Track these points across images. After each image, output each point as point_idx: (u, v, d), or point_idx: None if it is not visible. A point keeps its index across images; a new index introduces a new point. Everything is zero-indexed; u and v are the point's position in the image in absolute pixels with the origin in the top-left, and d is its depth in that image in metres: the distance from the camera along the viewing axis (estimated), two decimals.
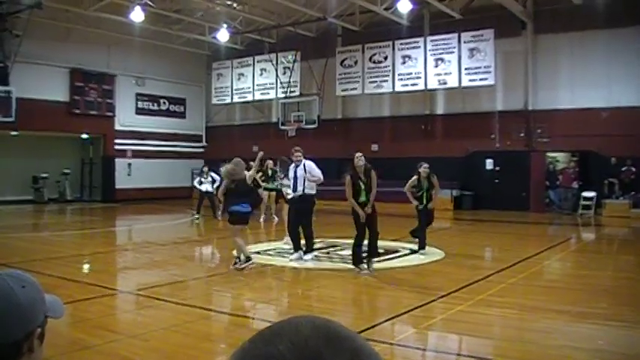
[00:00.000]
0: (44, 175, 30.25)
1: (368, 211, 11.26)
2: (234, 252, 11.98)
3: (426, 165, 14.39)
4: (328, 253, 14.06)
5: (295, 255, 12.67)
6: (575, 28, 24.43)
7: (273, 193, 21.80)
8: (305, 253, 12.61)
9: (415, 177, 14.30)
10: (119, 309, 9.24)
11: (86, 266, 12.63)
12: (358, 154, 11.71)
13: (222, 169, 12.59)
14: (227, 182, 11.89)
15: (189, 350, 6.82)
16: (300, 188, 12.79)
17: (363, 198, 11.32)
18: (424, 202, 13.87)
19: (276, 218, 21.61)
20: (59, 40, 28.39)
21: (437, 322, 8.00)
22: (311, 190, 13.07)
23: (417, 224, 14.04)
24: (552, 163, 25.36)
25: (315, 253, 13.08)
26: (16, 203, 28.59)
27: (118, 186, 31.76)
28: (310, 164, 13.24)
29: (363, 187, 11.33)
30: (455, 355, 6.85)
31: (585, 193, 23.77)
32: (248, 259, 11.48)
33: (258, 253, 14.00)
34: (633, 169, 23.16)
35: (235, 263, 11.51)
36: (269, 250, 14.54)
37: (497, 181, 25.95)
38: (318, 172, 13.26)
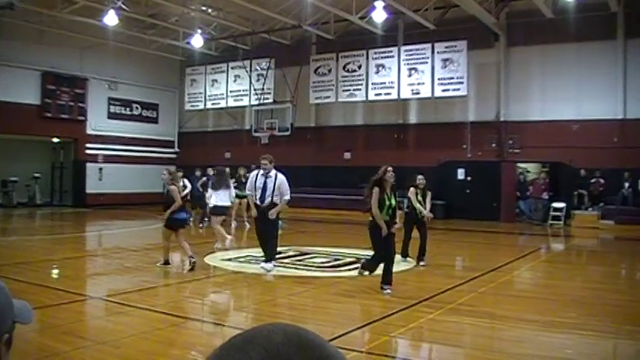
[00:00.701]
0: (13, 178, 29.87)
1: (395, 228, 11.00)
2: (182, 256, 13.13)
3: (421, 177, 14.21)
4: (301, 261, 14.03)
5: (268, 265, 12.35)
6: (547, 41, 24.78)
7: (245, 200, 21.72)
8: (265, 261, 12.30)
9: (413, 189, 14.04)
10: (89, 315, 9.15)
11: (55, 272, 12.51)
12: (390, 169, 11.19)
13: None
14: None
15: (159, 357, 6.77)
16: (268, 200, 12.20)
17: (386, 216, 10.77)
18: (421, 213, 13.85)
19: (248, 225, 21.52)
20: (31, 43, 28.10)
21: (408, 331, 8.02)
22: (277, 200, 12.36)
23: (405, 238, 14.12)
24: (523, 173, 25.63)
25: (274, 263, 12.55)
26: None
27: (88, 191, 31.48)
28: (282, 180, 12.49)
29: (387, 203, 10.80)
30: None
31: (555, 204, 24.03)
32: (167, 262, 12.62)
33: (229, 260, 13.98)
34: (602, 181, 23.45)
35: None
36: (240, 257, 14.49)
37: (468, 191, 26.13)
38: (287, 192, 12.49)
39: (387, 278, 10.23)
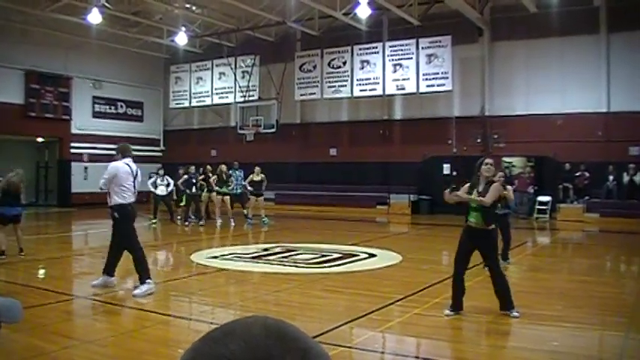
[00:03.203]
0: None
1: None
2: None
3: (490, 160, 9.37)
4: (287, 257, 14.04)
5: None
6: (531, 36, 24.89)
7: (227, 198, 21.76)
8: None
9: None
10: (75, 314, 9.12)
11: (41, 272, 12.44)
12: (488, 160, 9.12)
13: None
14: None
15: (147, 356, 6.76)
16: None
17: (472, 218, 8.79)
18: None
19: (233, 223, 21.53)
20: (14, 42, 27.89)
21: (394, 325, 8.05)
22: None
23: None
24: (508, 168, 25.69)
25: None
26: None
27: (74, 190, 31.33)
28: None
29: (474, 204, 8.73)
30: (412, 358, 6.91)
31: (541, 198, 24.14)
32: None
33: (215, 257, 13.97)
34: (587, 175, 23.58)
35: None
36: (225, 254, 14.48)
37: (454, 186, 26.15)
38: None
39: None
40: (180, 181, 22.06)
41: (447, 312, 8.22)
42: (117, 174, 9.90)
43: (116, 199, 9.85)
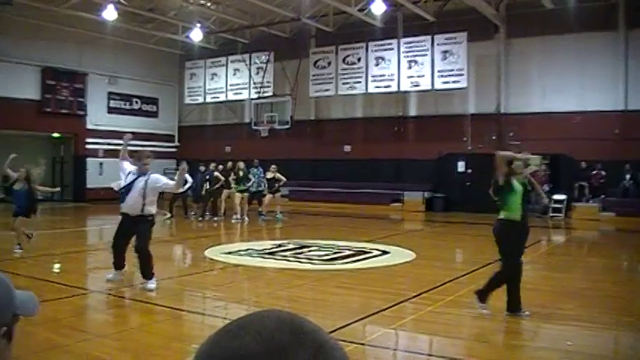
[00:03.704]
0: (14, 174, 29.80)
1: None
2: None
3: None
4: (300, 253, 14.04)
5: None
6: (548, 33, 24.70)
7: (246, 195, 21.88)
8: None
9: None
10: (89, 309, 9.17)
11: (57, 266, 12.51)
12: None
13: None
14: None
15: (160, 350, 6.79)
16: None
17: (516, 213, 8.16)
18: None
19: (247, 219, 21.59)
20: (30, 38, 28.03)
21: (407, 323, 8.04)
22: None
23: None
24: None
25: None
26: None
27: (89, 185, 31.48)
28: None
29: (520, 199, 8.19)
30: (426, 356, 6.89)
31: (556, 196, 23.98)
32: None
33: (229, 253, 14.00)
34: (603, 173, 23.44)
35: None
36: (240, 250, 14.51)
37: (468, 183, 26.10)
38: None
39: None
40: (202, 177, 22.18)
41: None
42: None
43: (150, 210, 9.94)
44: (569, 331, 7.58)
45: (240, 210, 21.98)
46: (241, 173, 21.90)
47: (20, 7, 24.81)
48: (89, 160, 31.72)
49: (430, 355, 6.93)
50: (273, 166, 22.29)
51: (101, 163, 31.73)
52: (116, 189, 10.10)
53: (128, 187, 9.83)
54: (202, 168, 22.63)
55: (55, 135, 31.84)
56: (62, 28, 27.94)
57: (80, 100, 31.12)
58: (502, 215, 8.20)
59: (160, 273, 10.14)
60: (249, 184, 21.94)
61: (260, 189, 22.19)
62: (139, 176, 9.87)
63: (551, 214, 23.84)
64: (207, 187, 22.14)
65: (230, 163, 22.91)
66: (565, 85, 24.47)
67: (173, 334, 7.52)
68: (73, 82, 30.75)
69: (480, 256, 13.93)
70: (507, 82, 26.01)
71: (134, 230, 9.89)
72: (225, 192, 22.44)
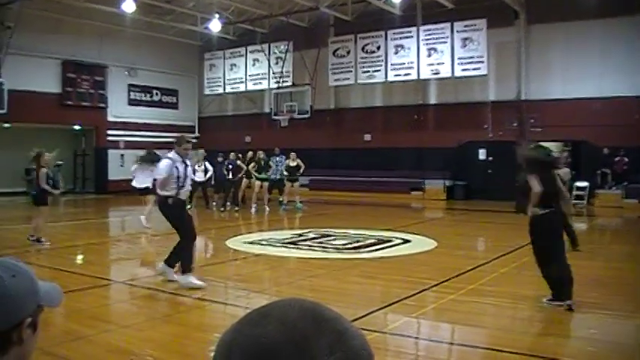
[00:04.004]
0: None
1: None
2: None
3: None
4: (321, 243, 14.06)
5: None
6: (568, 18, 24.43)
7: (266, 184, 21.96)
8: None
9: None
10: (112, 299, 9.25)
11: (79, 257, 12.62)
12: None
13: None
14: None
15: (183, 340, 6.83)
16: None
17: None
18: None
19: (267, 208, 21.67)
20: (51, 32, 28.22)
21: (429, 311, 8.03)
22: None
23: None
24: None
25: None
26: (9, 195, 28.53)
27: (110, 177, 31.67)
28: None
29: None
30: (447, 344, 6.88)
31: (578, 183, 23.76)
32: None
33: (250, 243, 14.05)
34: (626, 159, 23.21)
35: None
36: (261, 240, 14.55)
37: (489, 171, 25.99)
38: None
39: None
40: (223, 167, 22.22)
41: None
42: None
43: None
44: (593, 319, 7.54)
45: (259, 199, 22.05)
46: (262, 162, 22.00)
47: (40, 1, 24.96)
48: (110, 151, 31.89)
49: (452, 343, 6.92)
50: (292, 153, 22.32)
51: (122, 155, 31.89)
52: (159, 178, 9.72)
53: (185, 174, 9.69)
54: (220, 158, 22.65)
55: (76, 127, 32.06)
56: (82, 21, 28.10)
57: (101, 92, 31.30)
58: None
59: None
60: (270, 172, 22.03)
61: (280, 177, 22.26)
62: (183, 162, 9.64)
63: (574, 202, 23.65)
64: (230, 176, 22.19)
65: (250, 153, 22.95)
66: (586, 70, 24.22)
67: (196, 324, 7.57)
68: (94, 74, 30.93)
69: (501, 243, 13.90)
70: (528, 69, 25.80)
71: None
72: (246, 181, 22.52)
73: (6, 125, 28.03)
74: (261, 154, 22.19)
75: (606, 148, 23.53)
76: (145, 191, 17.23)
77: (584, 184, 23.60)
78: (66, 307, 7.63)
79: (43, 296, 1.77)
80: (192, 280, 9.24)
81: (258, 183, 22.01)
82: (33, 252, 12.48)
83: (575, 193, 23.47)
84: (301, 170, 22.39)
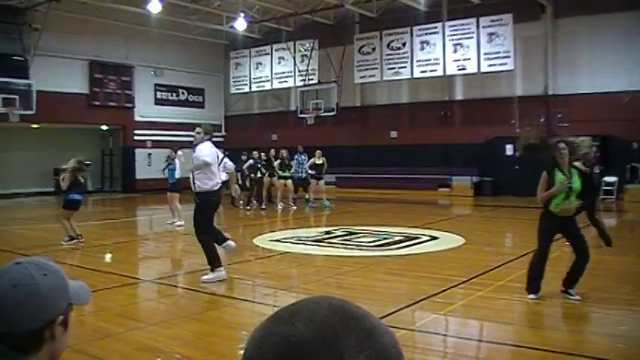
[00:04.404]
0: (65, 166, 30.41)
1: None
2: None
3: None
4: (348, 240, 14.05)
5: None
6: (596, 11, 24.14)
7: (290, 182, 22.00)
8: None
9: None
10: (141, 297, 9.32)
11: (108, 256, 12.72)
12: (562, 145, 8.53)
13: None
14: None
15: (211, 337, 6.87)
16: None
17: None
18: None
19: (293, 206, 21.71)
20: (77, 33, 28.53)
21: (457, 308, 7.99)
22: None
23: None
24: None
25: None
26: (39, 195, 28.91)
27: (138, 176, 31.94)
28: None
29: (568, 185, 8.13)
30: (476, 341, 6.84)
31: (607, 178, 23.51)
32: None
33: (277, 240, 14.08)
34: None
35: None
36: (288, 238, 14.57)
37: (517, 167, 25.79)
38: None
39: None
40: (245, 165, 22.24)
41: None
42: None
43: (201, 185, 9.62)
44: (623, 315, 7.45)
45: (285, 197, 22.11)
46: (286, 160, 22.05)
47: (67, 2, 25.21)
48: (137, 151, 32.15)
49: (480, 340, 6.88)
50: (318, 151, 22.33)
51: (149, 154, 32.14)
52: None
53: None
54: (244, 157, 22.70)
55: (104, 127, 32.36)
56: (108, 22, 28.35)
57: (127, 92, 31.57)
58: None
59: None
60: (292, 170, 22.09)
61: (303, 175, 22.28)
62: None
63: (602, 197, 23.42)
64: (257, 174, 22.22)
65: (273, 151, 23.00)
66: (614, 64, 23.93)
67: (224, 322, 7.60)
68: (120, 74, 31.22)
69: (529, 239, 13.75)
70: (555, 63, 25.57)
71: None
72: (268, 180, 22.56)
73: (35, 126, 28.38)
74: (284, 152, 22.24)
75: (635, 142, 23.27)
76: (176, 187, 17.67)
77: (613, 179, 23.37)
78: (94, 305, 7.70)
79: (72, 295, 1.79)
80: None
81: (281, 181, 22.08)
82: (62, 251, 12.60)
83: (603, 188, 23.28)
84: (325, 167, 22.41)
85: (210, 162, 9.49)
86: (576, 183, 8.19)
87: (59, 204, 15.31)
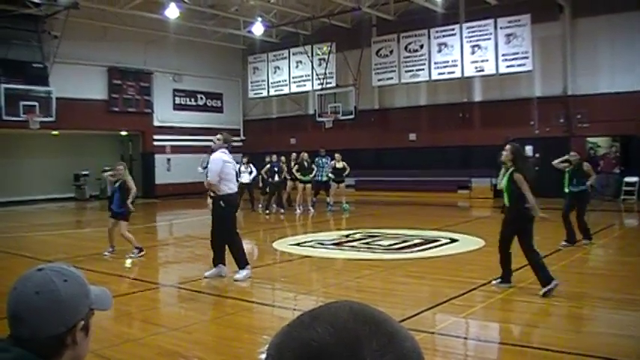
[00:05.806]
0: (85, 172, 30.72)
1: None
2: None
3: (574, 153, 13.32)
4: (368, 243, 14.04)
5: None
6: (614, 10, 23.94)
7: (309, 185, 22.00)
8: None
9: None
10: (162, 302, 9.36)
11: (128, 261, 12.78)
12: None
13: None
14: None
15: (232, 342, 6.89)
16: None
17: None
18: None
19: (312, 210, 21.71)
20: (96, 40, 28.72)
21: (478, 311, 7.96)
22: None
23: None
24: (593, 148, 24.95)
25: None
26: (59, 201, 29.14)
27: (157, 182, 32.08)
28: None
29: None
30: (497, 344, 6.81)
31: (627, 179, 23.36)
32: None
33: (297, 244, 14.09)
34: None
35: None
36: (307, 242, 14.58)
37: (537, 168, 25.61)
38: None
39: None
40: (264, 169, 22.27)
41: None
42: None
43: (224, 189, 9.99)
44: None
45: (304, 201, 22.14)
46: (305, 164, 22.05)
47: (85, 10, 25.37)
48: (157, 156, 32.29)
49: (501, 343, 6.84)
50: (337, 154, 22.36)
51: (169, 159, 32.30)
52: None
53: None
54: (268, 159, 22.73)
55: (123, 133, 32.54)
56: (126, 28, 28.49)
57: (146, 98, 31.73)
58: None
59: (230, 266, 10.25)
60: (313, 174, 22.08)
61: (324, 179, 22.28)
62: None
63: (623, 197, 23.25)
64: (274, 178, 22.22)
65: (294, 154, 23.02)
66: (634, 63, 23.71)
67: (244, 326, 7.62)
68: (139, 80, 31.39)
69: (549, 241, 13.68)
70: (574, 63, 25.40)
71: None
72: (290, 183, 22.59)
73: (55, 133, 28.60)
74: (304, 156, 22.24)
75: None
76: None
77: (634, 179, 23.20)
78: (116, 310, 7.75)
79: (94, 300, 1.81)
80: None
81: (301, 185, 22.09)
82: (83, 257, 12.68)
83: (624, 188, 23.10)
84: (347, 172, 22.42)
85: (222, 169, 9.94)
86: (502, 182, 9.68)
87: (79, 210, 15.35)
